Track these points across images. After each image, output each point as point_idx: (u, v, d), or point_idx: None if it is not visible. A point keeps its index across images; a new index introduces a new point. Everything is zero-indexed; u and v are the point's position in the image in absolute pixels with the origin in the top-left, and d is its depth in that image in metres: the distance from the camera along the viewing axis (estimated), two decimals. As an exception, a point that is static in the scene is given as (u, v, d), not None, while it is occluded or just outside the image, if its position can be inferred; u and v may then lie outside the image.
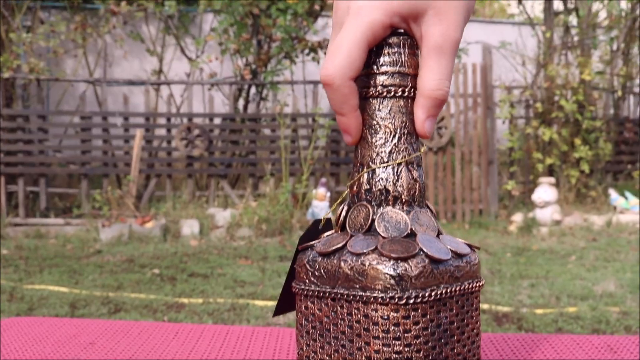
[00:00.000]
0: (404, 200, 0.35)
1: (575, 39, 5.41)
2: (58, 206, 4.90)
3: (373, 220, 0.35)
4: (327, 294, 0.35)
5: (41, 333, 0.56)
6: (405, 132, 0.36)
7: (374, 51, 0.36)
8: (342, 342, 0.34)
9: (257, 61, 5.15)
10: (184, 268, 3.24)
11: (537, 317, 2.36)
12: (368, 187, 0.36)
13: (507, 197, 5.09)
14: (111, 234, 4.01)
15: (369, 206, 0.35)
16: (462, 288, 0.35)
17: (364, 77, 0.36)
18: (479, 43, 5.12)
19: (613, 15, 5.35)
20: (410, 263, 0.33)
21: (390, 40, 0.35)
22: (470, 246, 0.37)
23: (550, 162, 4.98)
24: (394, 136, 0.35)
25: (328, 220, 0.40)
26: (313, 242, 0.37)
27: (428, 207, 0.37)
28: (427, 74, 0.35)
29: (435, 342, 0.34)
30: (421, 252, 0.33)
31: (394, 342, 0.32)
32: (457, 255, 0.35)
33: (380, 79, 0.35)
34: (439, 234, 0.36)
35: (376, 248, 0.33)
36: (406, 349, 0.33)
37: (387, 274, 0.32)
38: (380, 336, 0.33)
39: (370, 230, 0.35)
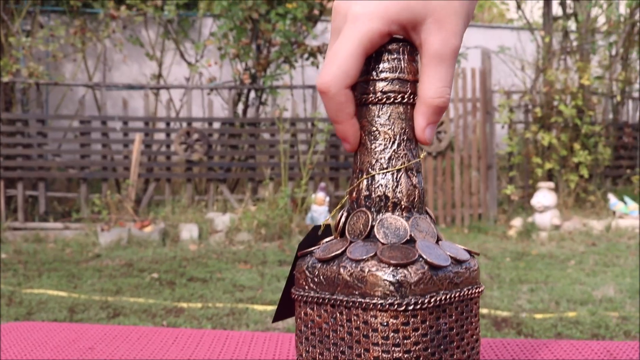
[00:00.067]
0: (403, 206, 0.35)
1: (574, 43, 5.43)
2: (57, 210, 4.90)
3: (372, 227, 0.35)
4: (326, 301, 0.35)
5: (40, 338, 0.56)
6: (405, 138, 0.36)
7: (373, 57, 0.36)
8: (341, 348, 0.34)
9: (256, 66, 5.16)
10: (183, 272, 3.23)
11: (537, 322, 2.36)
12: (367, 193, 0.36)
13: (506, 202, 5.09)
14: (110, 238, 4.00)
15: (369, 212, 0.35)
16: (461, 294, 0.35)
17: (364, 83, 0.36)
18: (478, 48, 5.14)
19: (612, 20, 5.37)
20: (409, 269, 0.33)
21: (389, 47, 0.35)
22: (469, 252, 0.37)
23: (550, 166, 4.99)
24: (394, 142, 0.36)
25: (327, 226, 0.40)
26: (312, 248, 0.37)
27: (427, 213, 0.37)
28: (427, 81, 0.35)
29: (434, 349, 0.34)
30: (420, 259, 0.33)
31: (393, 348, 0.32)
32: (457, 262, 0.35)
33: (380, 86, 0.36)
34: (438, 240, 0.36)
35: (375, 254, 0.33)
36: (405, 356, 0.33)
37: (387, 280, 0.32)
38: (380, 343, 0.33)
39: (369, 236, 0.35)
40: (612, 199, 4.70)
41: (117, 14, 5.26)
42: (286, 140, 4.79)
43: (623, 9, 5.45)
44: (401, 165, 0.35)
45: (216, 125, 5.10)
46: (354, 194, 0.37)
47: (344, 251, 0.35)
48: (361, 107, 0.36)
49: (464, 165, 4.93)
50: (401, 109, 0.36)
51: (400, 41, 0.36)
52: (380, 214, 0.35)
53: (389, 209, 0.35)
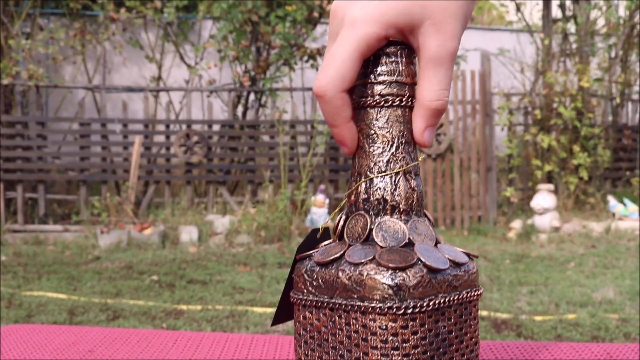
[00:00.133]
0: (401, 209, 0.36)
1: (574, 46, 5.44)
2: (57, 213, 4.89)
3: (371, 230, 0.35)
4: (325, 304, 0.35)
5: (40, 341, 0.56)
6: (403, 141, 0.36)
7: (371, 61, 0.36)
8: (340, 352, 0.34)
9: (256, 68, 5.16)
10: (183, 275, 3.23)
11: (536, 324, 2.36)
12: (366, 196, 0.36)
13: (506, 204, 5.09)
14: (110, 240, 4.00)
15: (367, 216, 0.35)
16: (460, 297, 0.35)
17: (361, 86, 0.36)
18: (478, 50, 5.15)
19: (611, 22, 5.38)
20: (408, 273, 0.33)
21: (387, 50, 0.35)
22: (468, 255, 0.37)
23: (549, 169, 4.99)
24: (392, 145, 0.36)
25: (326, 229, 0.40)
26: (311, 251, 0.37)
27: (426, 216, 0.37)
28: (425, 84, 0.35)
29: (433, 352, 0.34)
30: (419, 262, 0.33)
31: (392, 352, 0.32)
32: (455, 265, 0.35)
33: (378, 89, 0.36)
34: (437, 243, 0.36)
35: (374, 258, 0.33)
36: (404, 359, 0.33)
37: (385, 283, 0.32)
38: (379, 346, 0.33)
39: (368, 239, 0.35)
40: (612, 201, 4.70)
41: (116, 17, 5.27)
42: (286, 142, 4.79)
43: (622, 11, 5.45)
44: (399, 168, 0.35)
45: (216, 127, 5.10)
46: (353, 197, 0.37)
47: (343, 254, 0.35)
48: (359, 110, 0.36)
49: (463, 167, 4.93)
50: (399, 111, 0.36)
51: (398, 44, 0.35)
52: (379, 217, 0.35)
53: (388, 212, 0.35)
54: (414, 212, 0.36)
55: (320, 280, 0.35)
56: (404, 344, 0.33)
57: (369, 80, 0.36)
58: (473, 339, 0.36)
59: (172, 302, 2.70)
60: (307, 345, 0.36)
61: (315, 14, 5.12)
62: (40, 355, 0.53)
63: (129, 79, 6.24)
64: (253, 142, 4.92)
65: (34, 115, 5.00)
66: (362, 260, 0.33)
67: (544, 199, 4.40)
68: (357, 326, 0.33)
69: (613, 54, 5.45)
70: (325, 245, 0.37)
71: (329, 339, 0.35)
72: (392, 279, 0.32)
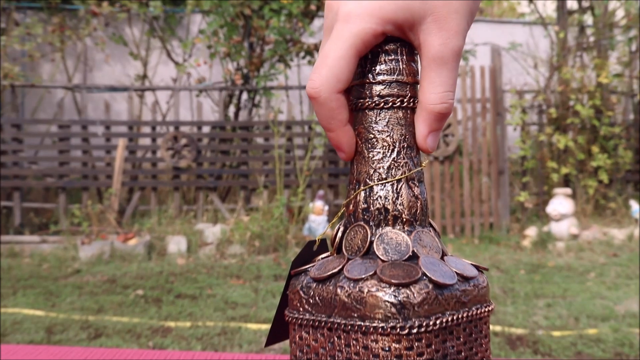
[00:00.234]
0: (404, 219, 0.35)
1: (591, 39, 5.46)
2: (33, 222, 4.88)
3: (371, 242, 0.35)
4: (323, 324, 0.34)
5: (12, 365, 0.56)
6: (405, 145, 0.36)
7: (368, 59, 0.35)
8: (339, 375, 0.34)
9: (248, 65, 5.17)
10: (171, 289, 3.23)
11: (555, 339, 2.36)
12: (365, 206, 0.36)
13: (520, 210, 5.09)
14: (91, 252, 3.99)
15: (367, 227, 0.35)
16: (469, 314, 0.35)
17: (359, 87, 0.36)
18: (488, 44, 5.16)
19: (631, 14, 5.40)
20: (412, 289, 0.33)
21: (386, 47, 0.35)
22: (477, 267, 0.37)
23: (566, 171, 5.00)
24: (393, 150, 0.35)
25: (323, 240, 0.40)
26: (307, 266, 0.37)
27: (431, 226, 0.37)
28: (428, 86, 0.34)
29: (440, 375, 0.33)
30: (424, 277, 0.33)
31: (395, 375, 0.32)
32: (464, 279, 0.35)
33: (377, 89, 0.35)
34: (443, 255, 0.36)
35: (375, 273, 0.33)
36: (409, 383, 0.32)
37: (388, 301, 0.32)
38: (381, 369, 0.32)
39: (368, 253, 0.35)
40: (634, 205, 4.70)
41: (98, 11, 5.28)
42: (281, 145, 4.79)
43: (643, 2, 5.48)
44: (402, 175, 0.35)
45: (206, 129, 5.10)
46: (351, 207, 0.36)
47: (341, 269, 0.35)
48: (357, 113, 0.36)
49: (473, 170, 4.93)
50: (400, 113, 0.36)
51: (397, 40, 0.35)
52: (380, 229, 0.35)
53: (389, 222, 0.35)
54: (418, 223, 0.36)
55: (317, 298, 0.35)
56: (408, 367, 0.32)
57: (367, 80, 0.35)
58: (484, 359, 0.36)
59: (159, 319, 2.69)
60: (303, 369, 0.36)
61: (313, 7, 5.14)
62: (13, 380, 0.52)
63: (111, 77, 6.25)
64: (246, 145, 4.92)
65: (9, 117, 5.00)
66: (363, 276, 0.33)
67: (560, 204, 4.41)
68: (357, 348, 0.33)
69: (633, 48, 5.47)
70: (322, 259, 0.37)
71: (326, 361, 0.35)
72: (395, 296, 0.32)
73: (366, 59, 0.35)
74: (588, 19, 5.61)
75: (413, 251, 0.34)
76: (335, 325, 0.34)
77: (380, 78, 0.35)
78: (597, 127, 5.03)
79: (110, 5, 5.33)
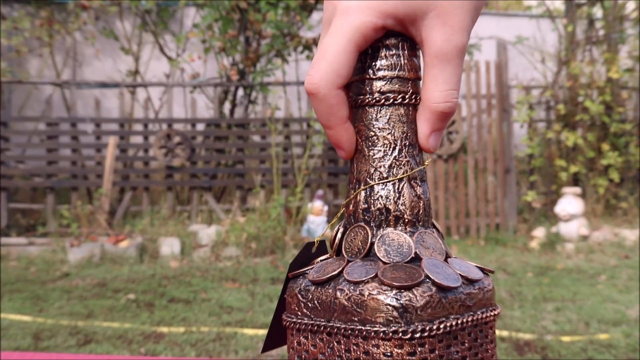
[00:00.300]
0: (406, 220, 0.35)
1: (601, 32, 5.46)
2: (20, 224, 4.88)
3: (372, 244, 0.35)
4: (322, 328, 0.34)
5: (-2, 372, 0.56)
6: (407, 143, 0.36)
7: (369, 54, 0.35)
8: (338, 382, 0.34)
9: (244, 60, 5.17)
10: (163, 293, 3.23)
11: (564, 345, 2.36)
12: (366, 206, 0.36)
13: (527, 210, 5.10)
14: (80, 254, 3.99)
15: (368, 228, 0.35)
16: (474, 318, 0.35)
17: (359, 82, 0.36)
18: (493, 38, 5.17)
19: (642, 6, 5.41)
20: (415, 292, 0.33)
21: (387, 42, 0.35)
22: (482, 270, 0.37)
23: (575, 170, 5.00)
24: (394, 148, 0.35)
25: (322, 242, 0.40)
26: (305, 268, 0.37)
27: (434, 227, 0.37)
28: (431, 84, 0.35)
29: (444, 382, 0.33)
30: (427, 280, 0.33)
31: (397, 382, 0.32)
32: (468, 282, 0.35)
33: (377, 85, 0.35)
34: (447, 257, 0.36)
35: (376, 275, 0.33)
36: (411, 390, 0.32)
37: (390, 305, 0.32)
38: (382, 376, 0.32)
39: (369, 254, 0.35)
40: (646, 205, 4.71)
41: (88, 4, 5.27)
42: (279, 143, 4.79)
43: (654, -7, 5.48)
44: (403, 174, 0.35)
45: (200, 126, 5.10)
46: (351, 207, 0.36)
47: (341, 272, 0.35)
48: (357, 110, 0.36)
49: (478, 169, 4.94)
50: (402, 110, 0.36)
51: (398, 34, 0.35)
52: (381, 229, 0.35)
53: (391, 223, 0.35)
54: (420, 223, 0.36)
55: (316, 302, 0.35)
56: (411, 373, 0.32)
57: (367, 76, 0.36)
58: (490, 366, 0.36)
59: (152, 324, 2.69)
60: (301, 375, 0.36)
61: (311, 0, 5.14)
62: (0, 388, 0.52)
63: (102, 73, 6.25)
64: (242, 143, 4.92)
65: (-5, 114, 4.99)
66: (363, 279, 0.33)
67: (569, 203, 4.41)
68: (358, 353, 0.33)
69: (645, 41, 5.48)
70: (321, 261, 0.37)
71: (325, 368, 0.35)
72: (397, 300, 0.32)
73: (366, 54, 0.35)
74: (597, 11, 5.62)
75: (415, 253, 0.35)
76: (335, 330, 0.34)
77: (380, 74, 0.35)
78: (607, 123, 5.03)
79: (100, -3, 5.33)
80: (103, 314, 2.85)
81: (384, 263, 0.34)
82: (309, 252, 0.39)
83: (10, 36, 5.19)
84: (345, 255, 0.36)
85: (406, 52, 0.36)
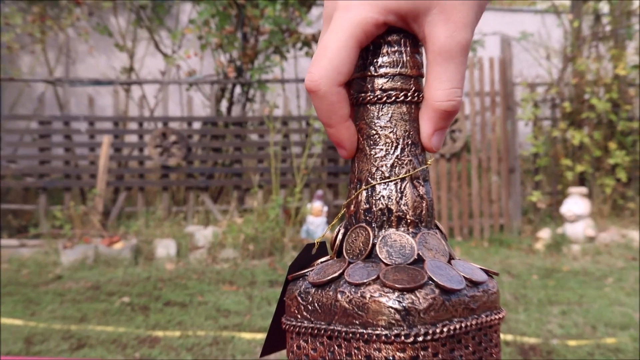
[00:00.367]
0: (409, 220, 0.35)
1: (607, 28, 5.46)
2: (12, 225, 4.88)
3: (374, 245, 0.35)
4: (322, 331, 0.35)
5: (-10, 377, 0.56)
6: (409, 142, 0.36)
7: (370, 50, 0.36)
8: (339, 387, 0.34)
9: (242, 57, 5.17)
10: (159, 296, 3.23)
11: (570, 349, 2.36)
12: (367, 206, 0.36)
13: (532, 211, 5.10)
14: (74, 256, 3.99)
15: (369, 228, 0.35)
16: (479, 322, 0.35)
17: (360, 80, 0.36)
18: (497, 34, 5.17)
19: (650, 1, 5.41)
20: (418, 295, 0.33)
21: (389, 38, 0.35)
22: (487, 272, 0.37)
23: (581, 169, 5.00)
24: (396, 147, 0.36)
25: (322, 244, 0.40)
26: (305, 270, 0.37)
27: (437, 227, 0.37)
28: (434, 82, 0.35)
29: (448, 386, 0.33)
30: (430, 282, 0.33)
31: (400, 386, 0.32)
32: (473, 284, 0.35)
33: (379, 82, 0.35)
34: (450, 259, 0.36)
35: (378, 277, 0.33)
36: (414, 395, 0.32)
37: (392, 307, 0.32)
38: (384, 380, 0.32)
39: (370, 256, 0.35)
40: (654, 206, 4.71)
41: (81, -1, 5.27)
42: (277, 141, 4.79)
43: (663, -12, 5.48)
44: (406, 173, 0.35)
45: (196, 125, 5.10)
46: (352, 207, 0.36)
47: (342, 274, 0.35)
48: (358, 108, 0.36)
49: (482, 168, 4.94)
50: (404, 108, 0.36)
51: (401, 31, 0.35)
52: (383, 230, 0.35)
53: (393, 224, 0.35)
54: (423, 224, 0.36)
55: (316, 304, 0.35)
56: (413, 378, 0.32)
57: (369, 73, 0.36)
58: (494, 370, 0.36)
59: (147, 328, 2.69)
60: (301, 380, 0.36)
61: (310, -6, 5.14)
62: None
63: (96, 70, 6.25)
64: (239, 142, 4.92)
65: (-15, 112, 4.99)
66: (365, 281, 0.33)
67: (576, 204, 4.41)
68: (359, 357, 0.33)
69: (653, 37, 5.48)
70: (321, 263, 0.37)
71: (326, 372, 0.35)
72: (400, 302, 0.32)
73: (367, 51, 0.36)
74: (604, 6, 5.62)
75: (418, 254, 0.35)
76: (336, 333, 0.34)
77: (382, 71, 0.35)
78: (614, 121, 5.03)
79: (94, -8, 5.33)
80: (97, 318, 2.85)
81: (386, 265, 0.34)
82: (309, 254, 0.39)
83: (2, 32, 5.19)
84: (346, 257, 0.36)
85: (408, 48, 0.36)
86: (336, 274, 0.35)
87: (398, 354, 0.32)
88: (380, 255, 0.35)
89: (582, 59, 5.12)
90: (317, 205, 4.43)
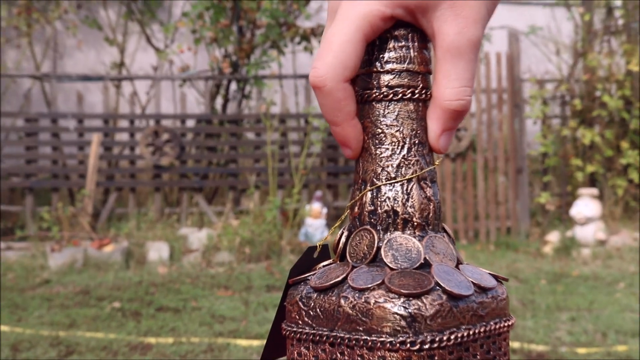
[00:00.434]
0: (415, 223, 0.36)
1: (620, 22, 5.47)
2: (-3, 227, 4.88)
3: (379, 248, 0.35)
4: (324, 338, 0.35)
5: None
6: (416, 141, 0.36)
7: (376, 45, 0.36)
8: (342, 396, 0.34)
9: (238, 52, 5.17)
10: (151, 301, 3.23)
11: (580, 357, 2.36)
12: (372, 208, 0.36)
13: (540, 213, 5.10)
14: (62, 260, 3.99)
15: (374, 231, 0.36)
16: (487, 329, 0.35)
17: (366, 76, 0.36)
18: (504, 28, 5.17)
19: (663, -6, 5.42)
20: (424, 300, 0.33)
21: (395, 33, 0.35)
22: (496, 277, 0.38)
23: (592, 170, 5.01)
24: (403, 147, 0.36)
25: (324, 246, 0.40)
26: (307, 274, 0.37)
27: (445, 231, 0.37)
28: (442, 80, 0.35)
29: (455, 396, 0.34)
30: (437, 287, 0.33)
31: (405, 396, 0.32)
32: (481, 290, 0.35)
33: (385, 79, 0.36)
34: (458, 263, 0.36)
35: (383, 282, 0.33)
36: (421, 405, 0.33)
37: (397, 313, 0.32)
38: (389, 389, 0.33)
39: (375, 260, 0.35)
40: (667, 208, 4.72)
41: (69, -10, 5.27)
42: (274, 140, 4.79)
43: (677, -19, 5.49)
44: (412, 174, 0.36)
45: (190, 123, 5.10)
46: (357, 209, 0.37)
47: (345, 278, 0.35)
48: (363, 105, 0.36)
49: (488, 169, 4.94)
50: (411, 106, 0.36)
51: (408, 25, 0.36)
52: (388, 233, 0.35)
53: (399, 226, 0.35)
54: (430, 227, 0.36)
55: (318, 310, 0.35)
56: (419, 387, 0.33)
57: (375, 69, 0.36)
58: (503, 379, 0.36)
59: (138, 334, 2.69)
60: (302, 389, 0.36)
61: (309, -14, 5.14)
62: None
63: (85, 65, 6.24)
64: (235, 141, 4.92)
65: (-31, 109, 4.99)
66: (369, 286, 0.33)
67: (586, 206, 4.42)
68: (363, 365, 0.33)
69: (667, 32, 5.49)
70: (323, 266, 0.37)
71: (329, 381, 0.35)
72: (405, 308, 0.32)
73: (373, 46, 0.36)
74: (616, -1, 5.63)
75: (425, 258, 0.35)
76: (339, 340, 0.34)
77: (389, 67, 0.35)
78: (626, 120, 5.04)
79: (83, -16, 5.33)
80: (86, 324, 2.85)
81: (391, 269, 0.34)
82: (310, 257, 0.39)
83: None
84: (350, 261, 0.36)
85: (416, 44, 0.36)
86: (339, 279, 0.35)
87: (404, 361, 0.32)
88: (385, 260, 0.35)
89: (594, 54, 5.13)
90: (316, 206, 4.43)
